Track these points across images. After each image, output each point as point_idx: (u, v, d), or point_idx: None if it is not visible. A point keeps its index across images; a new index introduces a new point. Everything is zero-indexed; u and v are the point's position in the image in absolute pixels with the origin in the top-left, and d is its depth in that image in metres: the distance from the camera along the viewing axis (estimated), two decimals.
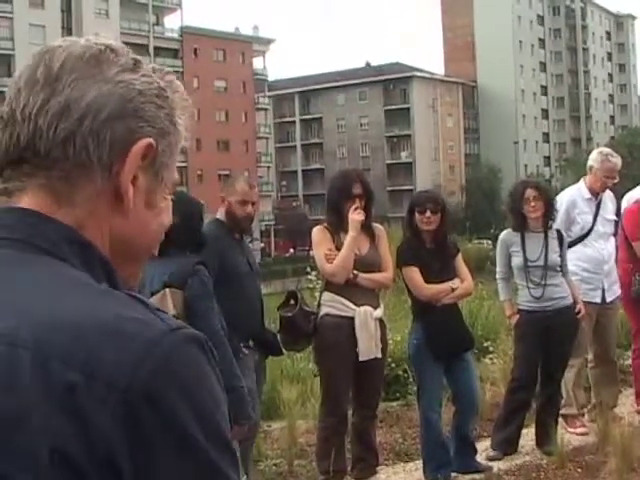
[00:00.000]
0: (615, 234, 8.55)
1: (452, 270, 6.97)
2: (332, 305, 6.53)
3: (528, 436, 7.72)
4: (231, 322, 5.43)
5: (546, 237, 7.48)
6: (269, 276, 55.56)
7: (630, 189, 9.04)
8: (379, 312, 6.63)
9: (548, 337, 7.38)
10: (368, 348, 6.48)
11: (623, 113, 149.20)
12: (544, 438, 7.51)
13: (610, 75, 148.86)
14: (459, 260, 7.08)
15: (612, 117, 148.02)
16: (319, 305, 6.65)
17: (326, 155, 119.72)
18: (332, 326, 6.48)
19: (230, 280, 5.95)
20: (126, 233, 1.31)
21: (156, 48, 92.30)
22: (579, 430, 8.06)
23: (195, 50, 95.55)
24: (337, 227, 6.59)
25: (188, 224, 5.10)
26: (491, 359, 10.68)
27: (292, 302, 6.67)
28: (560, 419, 7.88)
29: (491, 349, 11.02)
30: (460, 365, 6.93)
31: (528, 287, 7.47)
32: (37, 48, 1.35)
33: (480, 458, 7.24)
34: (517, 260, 7.50)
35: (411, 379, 9.02)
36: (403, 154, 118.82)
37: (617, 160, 8.43)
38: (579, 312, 7.53)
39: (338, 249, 6.47)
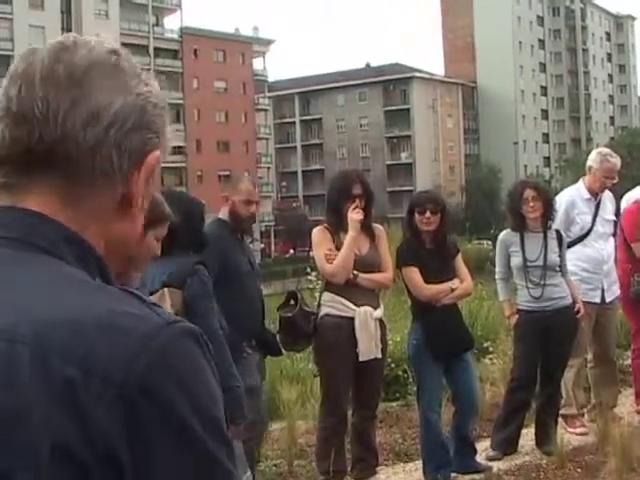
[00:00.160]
0: (614, 234, 8.55)
1: (452, 270, 6.97)
2: (332, 305, 6.54)
3: (528, 436, 7.72)
4: (233, 322, 5.44)
5: (545, 237, 7.49)
6: (269, 277, 55.56)
7: (629, 189, 9.04)
8: (379, 312, 6.64)
9: (547, 337, 7.38)
10: (368, 348, 6.48)
11: (623, 114, 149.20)
12: (544, 438, 7.51)
13: (610, 76, 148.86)
14: (459, 260, 7.08)
15: (612, 118, 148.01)
16: (319, 305, 6.66)
17: (326, 156, 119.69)
18: (332, 326, 6.49)
19: (232, 280, 5.95)
20: (128, 235, 1.35)
21: (156, 49, 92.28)
22: (579, 430, 8.06)
23: (195, 51, 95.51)
24: (337, 227, 6.59)
25: (190, 224, 5.10)
26: (491, 359, 10.68)
27: (292, 302, 6.67)
28: (560, 419, 7.88)
29: (491, 349, 11.02)
30: (460, 365, 6.94)
31: (527, 287, 7.47)
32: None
33: (480, 458, 7.25)
34: (516, 260, 7.51)
35: (411, 379, 9.03)
36: (403, 155, 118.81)
37: (616, 160, 8.44)
38: (578, 312, 7.53)
39: (338, 249, 6.47)
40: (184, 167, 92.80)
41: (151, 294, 4.81)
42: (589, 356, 8.51)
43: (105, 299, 1.17)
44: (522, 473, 7.00)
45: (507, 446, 7.53)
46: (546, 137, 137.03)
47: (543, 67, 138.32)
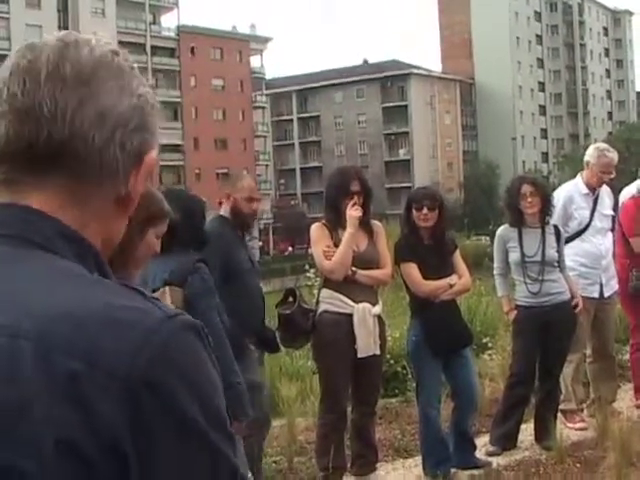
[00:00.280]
0: (612, 229, 8.55)
1: (450, 266, 6.97)
2: (330, 302, 6.54)
3: (527, 431, 7.73)
4: (235, 318, 5.44)
5: (543, 233, 7.49)
6: (268, 274, 55.50)
7: (627, 184, 9.04)
8: (377, 309, 6.64)
9: (546, 332, 7.39)
10: (367, 345, 6.49)
11: (621, 109, 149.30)
12: (543, 433, 7.52)
13: (608, 71, 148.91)
14: (457, 256, 7.09)
15: (610, 113, 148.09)
16: (317, 302, 6.66)
17: (324, 153, 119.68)
18: (330, 323, 6.49)
19: (234, 277, 5.95)
20: (119, 232, 1.37)
21: (153, 47, 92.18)
22: (578, 425, 8.07)
23: (192, 49, 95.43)
24: (335, 224, 6.59)
25: (190, 222, 5.09)
26: (490, 355, 10.69)
27: (290, 299, 6.67)
28: (559, 414, 7.89)
29: (490, 345, 11.04)
30: (459, 361, 6.94)
31: (525, 282, 7.48)
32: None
33: (479, 454, 7.25)
34: (514, 256, 7.51)
35: (410, 375, 9.04)
36: (401, 151, 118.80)
37: (613, 155, 8.44)
38: (577, 307, 7.54)
39: (336, 246, 6.47)
40: (182, 165, 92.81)
41: (152, 292, 4.80)
42: (588, 351, 8.52)
43: (106, 293, 1.18)
44: (521, 468, 7.00)
45: (506, 441, 7.54)
46: (544, 133, 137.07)
47: (541, 63, 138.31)
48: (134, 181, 1.32)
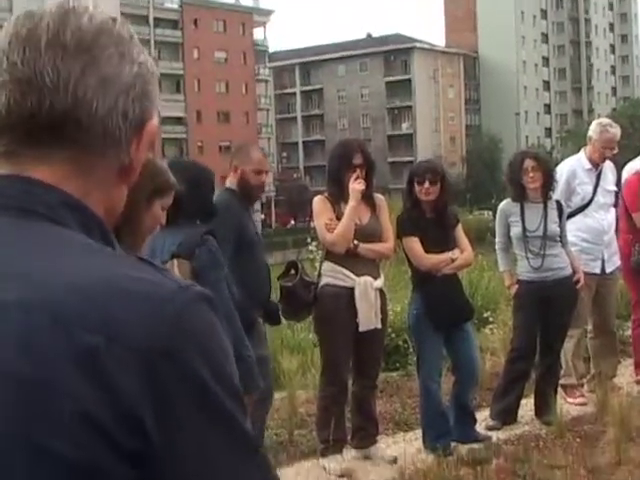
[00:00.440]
0: (615, 205, 8.54)
1: (452, 240, 6.97)
2: (332, 275, 6.54)
3: (527, 406, 7.75)
4: (245, 291, 5.45)
5: (545, 207, 7.48)
6: (270, 247, 55.38)
7: (631, 160, 9.02)
8: (379, 282, 6.64)
9: (547, 307, 7.39)
10: (368, 318, 6.49)
11: (625, 84, 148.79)
12: (543, 408, 7.54)
13: (612, 46, 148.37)
14: (459, 230, 7.08)
15: (614, 88, 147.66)
16: (319, 275, 6.66)
17: (327, 126, 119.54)
18: (332, 296, 6.49)
19: (244, 249, 5.93)
20: (121, 201, 1.36)
21: (156, 19, 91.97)
22: (578, 400, 8.09)
23: (195, 21, 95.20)
24: (338, 197, 6.57)
25: (196, 193, 5.05)
26: (491, 329, 10.71)
27: (292, 272, 6.66)
28: (559, 389, 7.91)
29: (491, 319, 11.05)
30: (460, 335, 6.95)
31: (527, 257, 7.47)
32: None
33: (479, 428, 7.27)
34: (516, 230, 7.50)
35: (411, 349, 9.05)
36: (404, 125, 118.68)
37: (616, 131, 8.42)
38: (578, 282, 7.54)
39: (339, 219, 6.45)
40: (184, 138, 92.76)
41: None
42: (589, 327, 8.52)
43: (118, 265, 1.18)
44: (521, 443, 7.02)
45: (506, 416, 7.56)
46: (548, 108, 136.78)
47: (545, 37, 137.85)
48: (136, 150, 1.31)
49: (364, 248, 6.51)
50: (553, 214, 7.51)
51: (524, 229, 7.46)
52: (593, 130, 8.42)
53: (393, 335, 9.58)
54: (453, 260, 6.90)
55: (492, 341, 10.05)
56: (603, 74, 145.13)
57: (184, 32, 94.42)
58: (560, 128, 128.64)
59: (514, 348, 7.65)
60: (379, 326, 6.59)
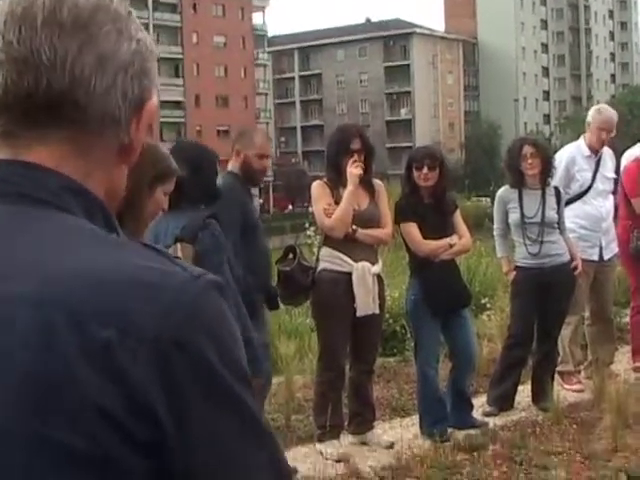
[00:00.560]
0: (614, 192, 8.54)
1: (450, 226, 6.96)
2: (330, 260, 6.53)
3: (524, 392, 7.76)
4: (250, 275, 5.45)
5: (543, 194, 7.47)
6: (267, 232, 55.20)
7: (630, 147, 9.02)
8: (377, 268, 6.63)
9: (545, 294, 7.39)
10: (365, 304, 6.49)
11: (624, 71, 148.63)
12: (540, 394, 7.55)
13: (612, 33, 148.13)
14: (457, 216, 7.07)
15: (613, 75, 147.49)
16: (317, 260, 6.65)
17: (325, 111, 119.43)
18: (330, 281, 6.48)
19: (248, 233, 5.93)
20: (122, 182, 1.34)
21: (154, 2, 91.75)
22: (575, 387, 8.10)
23: (194, 5, 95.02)
24: (336, 182, 6.56)
25: (197, 177, 5.03)
26: (488, 315, 10.70)
27: (290, 257, 6.65)
28: (556, 376, 7.92)
29: (488, 306, 11.05)
30: (457, 321, 6.95)
31: (525, 244, 7.47)
32: None
33: (476, 414, 7.28)
34: (514, 216, 7.50)
35: (408, 335, 9.06)
36: (403, 111, 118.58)
37: (611, 113, 8.43)
38: (576, 269, 7.54)
39: (337, 204, 6.44)
40: (183, 122, 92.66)
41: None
42: (586, 313, 8.53)
43: (129, 255, 1.16)
44: (518, 429, 7.03)
45: (503, 402, 7.57)
46: (546, 94, 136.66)
47: (544, 24, 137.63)
48: (136, 129, 1.29)
49: (362, 233, 6.50)
50: (551, 201, 7.51)
51: (522, 215, 7.45)
52: (590, 115, 8.46)
53: (390, 321, 9.58)
54: (451, 246, 6.90)
55: (489, 327, 10.05)
56: (602, 61, 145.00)
57: (183, 16, 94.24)
58: (559, 115, 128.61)
59: (511, 334, 7.65)
60: (377, 311, 6.59)
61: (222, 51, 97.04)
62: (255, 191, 6.59)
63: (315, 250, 7.15)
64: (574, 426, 7.06)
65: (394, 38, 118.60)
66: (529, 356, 7.75)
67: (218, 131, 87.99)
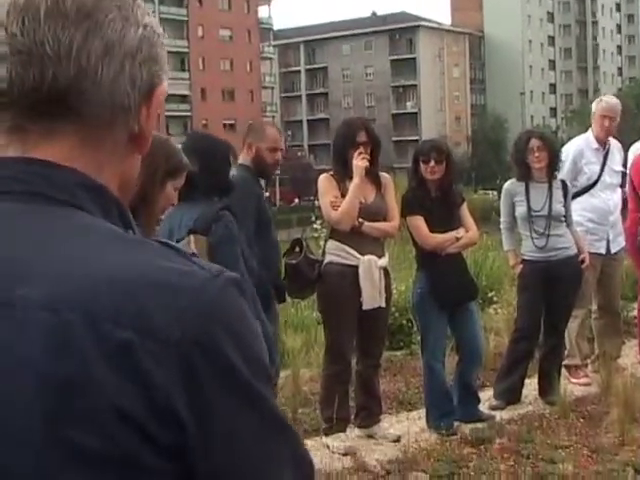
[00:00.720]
0: (622, 185, 8.52)
1: (457, 219, 6.96)
2: (336, 253, 6.52)
3: (531, 386, 7.75)
4: (263, 267, 5.45)
5: (550, 187, 7.46)
6: (274, 226, 55.54)
7: (636, 140, 9.00)
8: (384, 261, 6.63)
9: (552, 287, 7.38)
10: (372, 297, 6.48)
11: (631, 64, 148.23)
12: (547, 388, 7.54)
13: (619, 26, 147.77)
14: (464, 209, 7.06)
15: (620, 69, 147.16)
16: (323, 253, 6.65)
17: (331, 105, 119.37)
18: (336, 274, 6.48)
19: (261, 226, 5.93)
20: (134, 171, 1.32)
21: None
22: (582, 380, 8.09)
23: None
24: (343, 175, 6.56)
25: (209, 169, 5.03)
26: (495, 309, 10.70)
27: (297, 250, 6.65)
28: (563, 369, 7.91)
29: (495, 299, 11.05)
30: (464, 315, 6.94)
31: (532, 237, 7.46)
32: None
33: (483, 407, 7.27)
34: (521, 210, 7.49)
35: (415, 328, 9.04)
36: (409, 104, 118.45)
37: (612, 100, 8.48)
38: (583, 262, 7.52)
39: (344, 197, 6.44)
40: (189, 116, 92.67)
41: (177, 241, 4.77)
42: (593, 307, 8.52)
43: (146, 254, 1.14)
44: (525, 422, 7.02)
45: (510, 395, 7.56)
46: (553, 88, 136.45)
47: (551, 17, 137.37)
48: (146, 116, 1.26)
49: (369, 226, 6.50)
50: (558, 194, 7.49)
51: (529, 209, 7.44)
52: (593, 106, 8.50)
53: (397, 314, 9.57)
54: (458, 239, 6.89)
55: (496, 321, 10.05)
56: (609, 54, 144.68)
57: (189, 10, 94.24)
58: (565, 108, 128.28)
59: (518, 328, 7.64)
60: (383, 305, 6.59)
61: (228, 45, 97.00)
62: (261, 184, 6.53)
63: (322, 243, 7.14)
64: (581, 420, 7.06)
65: (400, 31, 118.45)
66: (536, 349, 7.74)
67: (224, 124, 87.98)
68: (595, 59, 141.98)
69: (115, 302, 1.07)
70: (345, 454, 6.41)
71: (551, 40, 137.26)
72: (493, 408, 7.40)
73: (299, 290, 6.70)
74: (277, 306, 6.25)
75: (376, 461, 6.29)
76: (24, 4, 1.18)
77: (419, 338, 7.46)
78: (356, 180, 6.39)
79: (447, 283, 6.79)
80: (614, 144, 8.47)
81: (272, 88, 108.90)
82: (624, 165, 8.58)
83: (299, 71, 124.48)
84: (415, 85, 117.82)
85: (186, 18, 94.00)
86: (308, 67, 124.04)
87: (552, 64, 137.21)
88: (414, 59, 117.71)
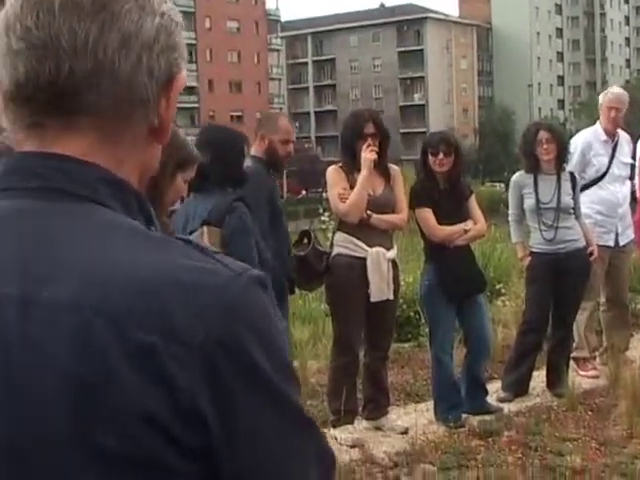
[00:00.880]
0: (631, 178, 8.50)
1: (465, 212, 6.94)
2: (344, 245, 6.52)
3: (539, 378, 7.74)
4: (276, 259, 5.45)
5: (559, 179, 7.44)
6: None
7: None
8: (392, 253, 6.62)
9: (560, 280, 7.37)
10: (379, 289, 6.47)
11: (639, 57, 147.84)
12: (555, 380, 7.54)
13: (627, 18, 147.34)
14: (472, 202, 7.05)
15: (628, 60, 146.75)
16: (332, 245, 6.64)
17: (339, 97, 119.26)
18: (344, 266, 6.47)
19: (275, 218, 5.93)
20: (155, 161, 1.31)
21: None
22: (590, 373, 8.08)
23: None
24: (351, 167, 6.55)
25: (225, 160, 5.03)
26: (503, 301, 10.69)
27: (305, 241, 6.64)
28: (571, 362, 7.90)
29: (503, 291, 11.04)
30: (472, 307, 6.93)
31: (540, 229, 7.45)
32: None
33: (491, 399, 7.27)
34: (529, 202, 7.47)
35: (423, 320, 9.04)
36: (416, 96, 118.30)
37: (618, 91, 8.49)
38: (591, 254, 7.51)
39: (353, 189, 6.43)
40: (196, 107, 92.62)
41: (191, 233, 4.78)
42: (602, 299, 8.50)
43: (170, 254, 1.13)
44: (533, 415, 7.02)
45: (518, 388, 7.55)
46: (561, 80, 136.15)
47: (559, 8, 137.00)
48: (166, 106, 1.24)
49: (377, 218, 6.49)
50: (567, 186, 7.48)
51: (537, 201, 7.42)
52: (600, 97, 8.49)
53: (405, 306, 9.57)
54: (466, 231, 6.88)
55: (504, 313, 10.05)
56: (617, 46, 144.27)
57: (196, 1, 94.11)
58: (573, 100, 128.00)
59: (526, 320, 7.63)
60: (391, 297, 6.58)
61: (235, 36, 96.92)
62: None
63: (329, 235, 7.13)
64: (589, 412, 7.05)
65: (408, 23, 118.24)
66: (544, 342, 7.73)
67: (231, 116, 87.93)
68: (603, 51, 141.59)
69: (138, 303, 1.06)
70: (353, 446, 6.41)
71: (559, 32, 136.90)
72: (501, 400, 7.40)
73: (307, 282, 6.70)
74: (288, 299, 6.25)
75: (384, 453, 6.29)
76: None
77: (427, 330, 7.46)
78: (364, 172, 6.38)
79: (455, 275, 6.78)
80: (623, 136, 8.45)
81: (279, 80, 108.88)
82: (633, 157, 8.56)
83: (306, 63, 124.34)
84: (423, 77, 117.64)
85: (193, 9, 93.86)
86: (315, 59, 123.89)
87: (560, 56, 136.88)
88: (422, 51, 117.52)
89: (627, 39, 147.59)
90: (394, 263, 6.68)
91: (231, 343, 1.07)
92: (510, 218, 7.79)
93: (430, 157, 6.84)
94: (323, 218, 12.67)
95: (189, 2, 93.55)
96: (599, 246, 7.73)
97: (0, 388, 1.06)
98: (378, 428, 6.81)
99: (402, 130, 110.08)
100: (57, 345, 1.05)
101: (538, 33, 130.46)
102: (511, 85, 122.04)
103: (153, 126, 1.24)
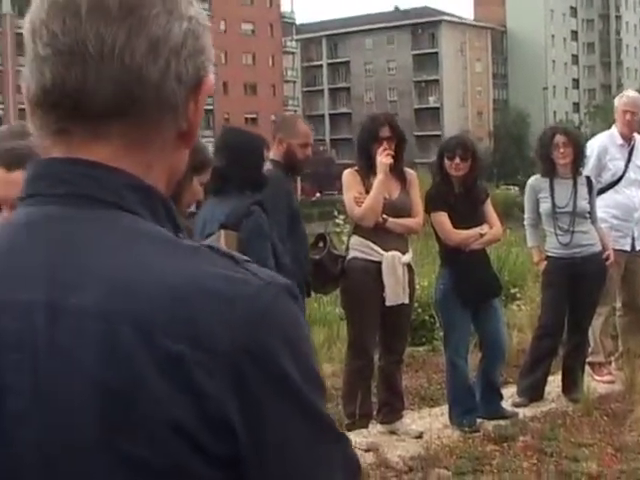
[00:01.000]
0: None
1: (481, 216, 6.93)
2: (360, 249, 6.51)
3: (554, 383, 7.72)
4: (295, 264, 5.44)
5: (575, 183, 7.42)
6: None
7: None
8: (407, 257, 6.61)
9: (576, 284, 7.34)
10: (395, 293, 6.46)
11: None
12: (570, 385, 7.51)
13: None
14: (488, 205, 7.03)
15: None
16: (347, 249, 6.63)
17: (353, 99, 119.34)
18: (359, 270, 6.46)
19: (294, 221, 5.93)
20: (182, 165, 1.29)
21: None
22: (606, 378, 8.05)
23: None
24: (367, 171, 6.54)
25: (244, 163, 5.03)
26: (518, 305, 10.67)
27: (320, 245, 6.64)
28: (587, 367, 7.87)
29: (518, 295, 11.02)
30: (487, 311, 6.92)
31: (556, 234, 7.42)
32: None
33: (506, 404, 7.25)
34: (545, 206, 7.45)
35: (437, 324, 9.03)
36: (431, 99, 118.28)
37: (634, 95, 8.46)
38: (607, 259, 7.48)
39: (368, 192, 6.43)
40: (211, 109, 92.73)
41: (208, 236, 4.79)
42: (617, 304, 8.47)
43: (198, 262, 1.12)
44: (548, 420, 6.99)
45: (533, 393, 7.53)
46: (576, 83, 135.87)
47: (574, 11, 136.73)
48: (194, 110, 1.22)
49: (393, 222, 6.48)
50: (583, 190, 7.45)
51: (553, 205, 7.40)
52: (615, 102, 8.48)
53: (420, 310, 9.56)
54: (482, 235, 6.86)
55: (519, 317, 10.02)
56: (632, 49, 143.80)
57: (211, 4, 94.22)
58: (588, 103, 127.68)
59: (542, 325, 7.61)
60: (406, 301, 6.57)
61: (250, 39, 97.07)
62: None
63: (344, 238, 7.13)
64: (605, 418, 7.02)
65: (422, 26, 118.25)
66: (559, 346, 7.70)
67: (246, 119, 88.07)
68: (618, 54, 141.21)
69: (166, 311, 1.06)
70: (367, 450, 6.40)
71: (574, 35, 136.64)
72: (516, 405, 7.37)
73: (322, 285, 6.69)
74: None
75: (398, 457, 6.27)
76: (65, 2, 1.16)
77: (442, 334, 7.44)
78: (380, 176, 6.38)
79: (470, 279, 6.77)
80: (639, 140, 8.42)
81: (294, 82, 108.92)
82: None
83: (321, 65, 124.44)
84: (437, 80, 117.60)
85: (208, 12, 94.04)
86: (330, 61, 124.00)
87: (575, 59, 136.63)
88: (436, 54, 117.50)
89: None
90: (409, 267, 6.67)
91: (258, 351, 1.07)
92: (526, 222, 7.77)
93: (446, 161, 6.83)
94: (338, 221, 12.66)
95: (204, 4, 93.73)
96: (615, 250, 7.70)
97: (28, 394, 1.06)
98: (393, 432, 6.80)
99: (416, 133, 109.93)
100: (84, 352, 1.05)
101: (553, 36, 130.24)
102: (526, 88, 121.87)
103: (182, 130, 1.22)
